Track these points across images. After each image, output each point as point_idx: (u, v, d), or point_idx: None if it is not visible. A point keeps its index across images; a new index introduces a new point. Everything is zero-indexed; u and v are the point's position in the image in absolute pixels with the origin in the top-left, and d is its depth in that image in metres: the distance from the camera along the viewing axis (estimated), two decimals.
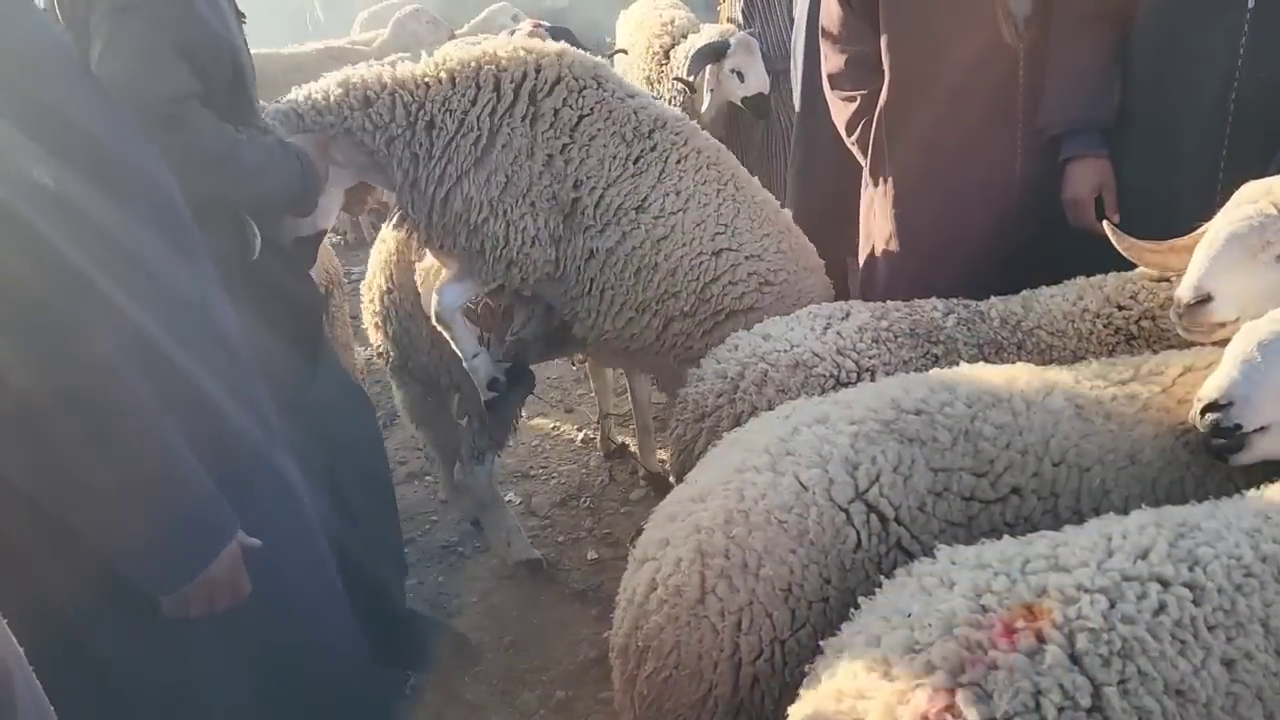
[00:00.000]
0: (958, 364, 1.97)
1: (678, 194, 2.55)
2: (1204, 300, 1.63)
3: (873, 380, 1.95)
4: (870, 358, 1.97)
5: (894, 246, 2.62)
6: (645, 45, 4.71)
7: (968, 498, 1.49)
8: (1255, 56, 2.07)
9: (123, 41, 1.95)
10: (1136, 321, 2.04)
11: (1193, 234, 1.84)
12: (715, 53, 4.20)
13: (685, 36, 4.49)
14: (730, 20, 4.66)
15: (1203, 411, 1.43)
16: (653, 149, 2.58)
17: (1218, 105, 2.18)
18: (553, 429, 4.06)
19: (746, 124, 4.44)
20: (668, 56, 4.61)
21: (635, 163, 2.55)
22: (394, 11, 6.66)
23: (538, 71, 2.50)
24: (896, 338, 2.01)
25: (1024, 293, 2.18)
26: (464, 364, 2.75)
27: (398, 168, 2.45)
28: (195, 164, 2.00)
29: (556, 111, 2.49)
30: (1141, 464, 1.55)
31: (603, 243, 2.54)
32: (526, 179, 2.48)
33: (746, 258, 2.57)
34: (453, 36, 5.87)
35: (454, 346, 2.72)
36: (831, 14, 2.64)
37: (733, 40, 4.15)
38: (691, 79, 4.32)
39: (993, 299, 2.17)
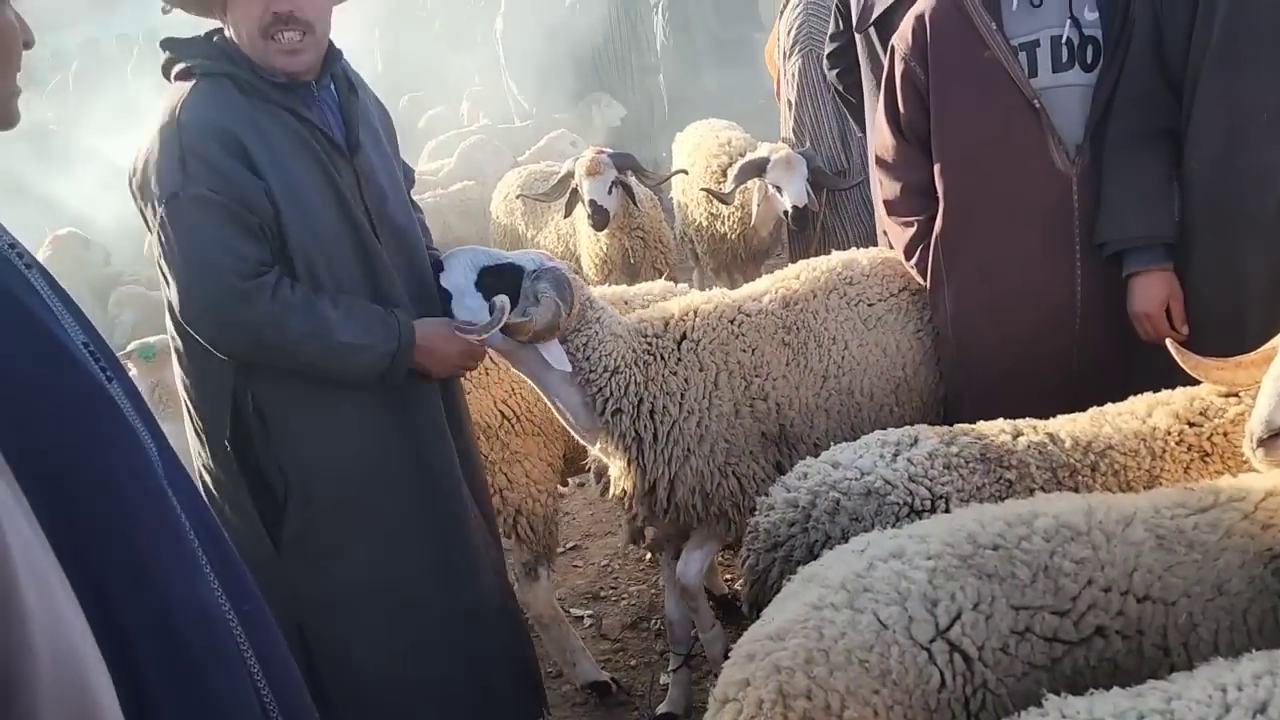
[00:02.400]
0: (1032, 489, 1.99)
1: (833, 341, 2.74)
2: (1277, 435, 1.62)
3: (946, 507, 1.95)
4: (943, 484, 1.98)
5: (958, 370, 2.64)
6: (704, 165, 4.90)
7: (1050, 638, 1.48)
8: None
9: (178, 229, 2.02)
10: (1209, 438, 2.03)
11: (1260, 350, 1.83)
12: (756, 168, 4.39)
13: (742, 155, 4.65)
14: (784, 139, 4.83)
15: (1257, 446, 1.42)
16: (798, 325, 2.74)
17: (1278, 216, 2.21)
18: (622, 548, 4.06)
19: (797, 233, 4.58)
20: (724, 175, 4.77)
21: (794, 350, 2.72)
22: (459, 141, 7.01)
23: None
24: (968, 463, 2.02)
25: (1091, 411, 2.17)
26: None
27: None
28: (274, 341, 2.08)
29: (734, 359, 2.67)
30: (1230, 595, 1.52)
31: (814, 432, 2.70)
32: (741, 434, 2.64)
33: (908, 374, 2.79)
34: (515, 164, 6.16)
35: (695, 618, 2.98)
36: (886, 143, 2.74)
37: (772, 157, 4.31)
38: (727, 193, 4.49)
39: (1060, 419, 2.16)
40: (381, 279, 2.23)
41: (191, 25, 2.28)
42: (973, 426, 2.14)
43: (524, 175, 5.33)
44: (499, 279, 2.37)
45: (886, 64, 2.72)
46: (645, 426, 2.56)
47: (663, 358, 2.63)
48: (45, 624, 0.72)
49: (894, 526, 1.93)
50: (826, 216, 4.63)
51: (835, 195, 4.66)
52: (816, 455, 2.68)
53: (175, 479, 1.33)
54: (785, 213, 4.35)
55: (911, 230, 2.70)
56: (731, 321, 2.72)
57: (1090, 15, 2.46)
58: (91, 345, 1.28)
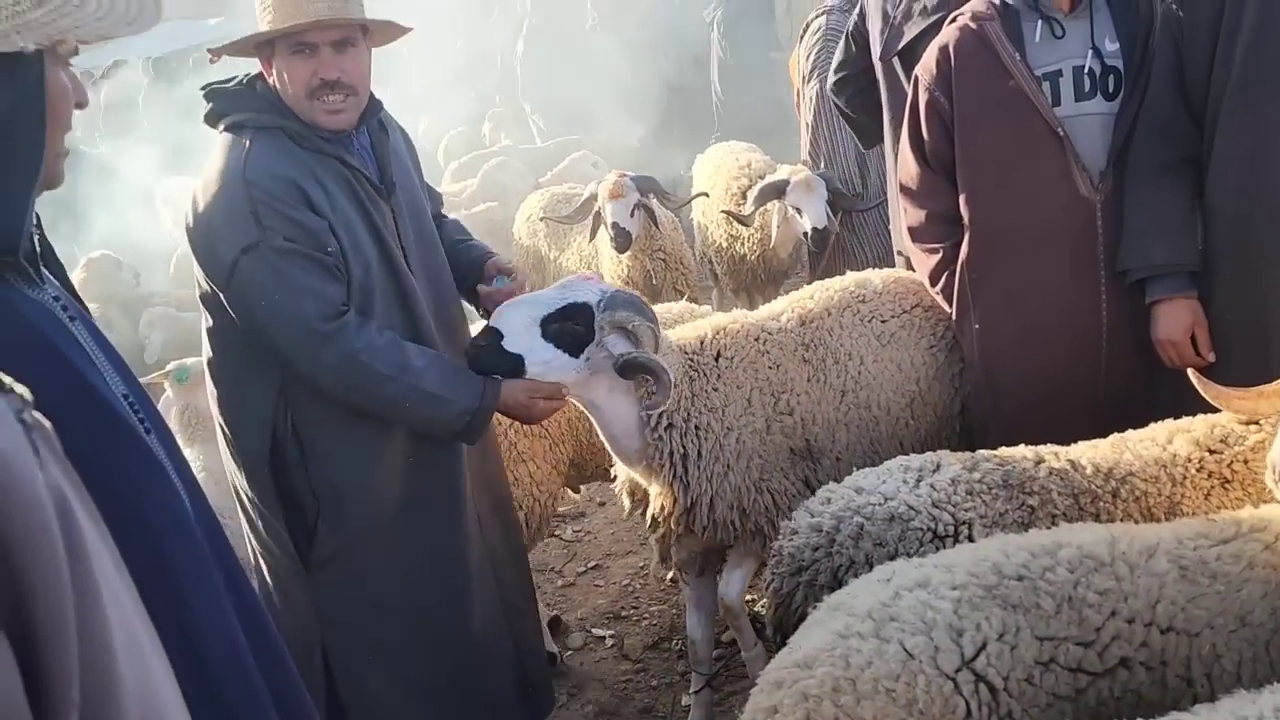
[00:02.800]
0: (1054, 515, 2.01)
1: (849, 357, 2.80)
2: None
3: (970, 533, 1.98)
4: (966, 510, 2.00)
5: (985, 397, 2.66)
6: (724, 187, 4.95)
7: (1074, 669, 1.50)
8: None
9: (259, 279, 2.10)
10: (1229, 465, 2.04)
11: None
12: (776, 191, 4.43)
13: (762, 178, 4.70)
14: (803, 162, 4.88)
15: None
16: (815, 342, 2.80)
17: None
18: (641, 568, 4.08)
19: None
20: (744, 197, 4.82)
21: (814, 366, 2.78)
22: (481, 162, 7.09)
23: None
24: (990, 489, 2.04)
25: (1113, 438, 2.19)
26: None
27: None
28: (360, 378, 2.15)
29: (763, 376, 2.72)
30: (1253, 626, 1.53)
31: (836, 446, 2.74)
32: (772, 450, 2.69)
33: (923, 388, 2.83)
34: (537, 185, 6.23)
35: (739, 637, 3.02)
36: (910, 171, 2.77)
37: (792, 179, 4.35)
38: (747, 215, 4.53)
39: (1081, 445, 2.18)
40: (416, 311, 2.31)
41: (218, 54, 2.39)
42: (995, 453, 2.16)
43: (546, 197, 5.39)
44: (565, 323, 2.37)
45: (910, 93, 2.75)
46: (692, 443, 2.61)
47: (705, 374, 2.69)
48: (136, 688, 0.72)
49: (918, 552, 1.96)
50: (844, 238, 4.67)
51: (853, 216, 4.69)
52: (839, 469, 2.78)
53: (201, 517, 1.37)
54: (805, 234, 4.39)
55: (936, 257, 2.73)
56: (756, 339, 2.79)
57: (1111, 46, 2.52)
58: (131, 397, 1.32)
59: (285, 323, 2.11)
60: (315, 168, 2.18)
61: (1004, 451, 2.16)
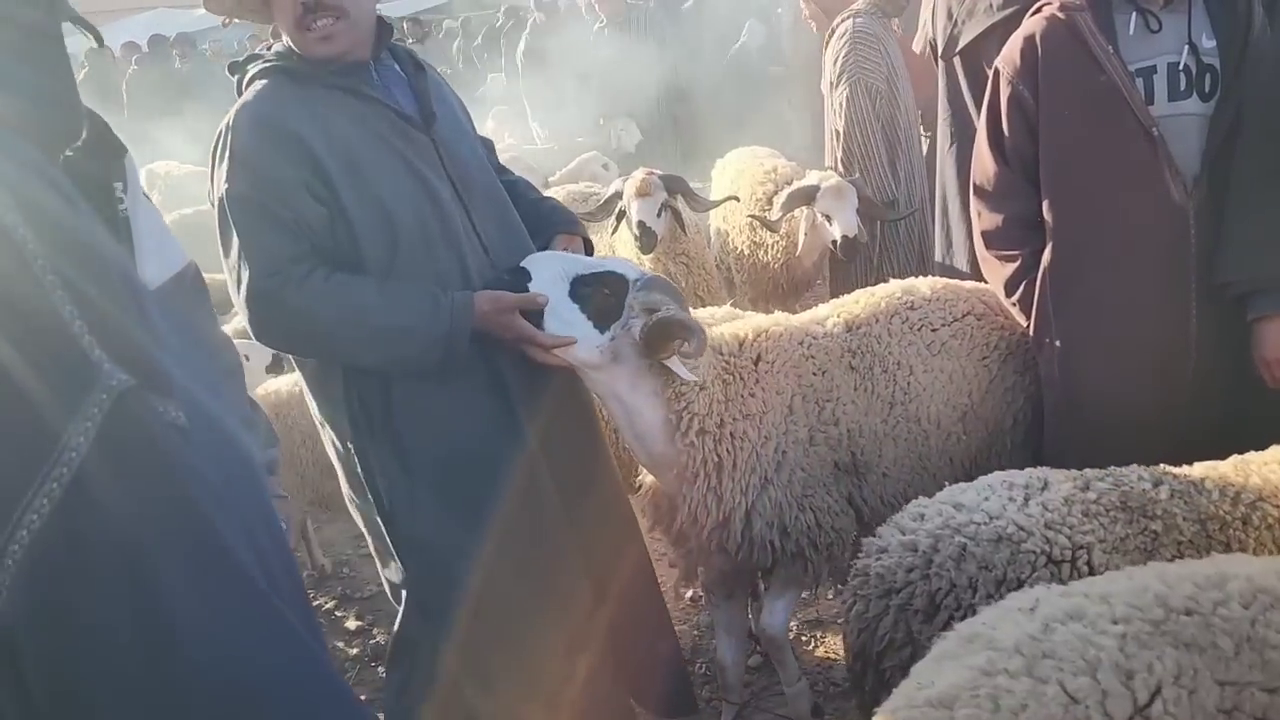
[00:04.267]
0: (1180, 542, 1.82)
1: (898, 366, 2.64)
2: None
3: (1089, 559, 1.78)
4: (1084, 533, 1.81)
5: (1065, 414, 2.49)
6: (749, 192, 4.76)
7: (1259, 719, 1.29)
8: None
9: (222, 232, 2.07)
10: None
11: None
12: (805, 196, 4.24)
13: (789, 183, 4.52)
14: (830, 168, 4.70)
15: None
16: (863, 349, 2.66)
17: None
18: (664, 586, 3.85)
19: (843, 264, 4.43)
20: (770, 202, 4.63)
21: (861, 374, 2.63)
22: None
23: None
24: (1108, 511, 1.85)
25: (1233, 459, 2.01)
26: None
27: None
28: (306, 332, 2.07)
29: (807, 382, 2.57)
30: None
31: (883, 461, 2.58)
32: (816, 463, 2.52)
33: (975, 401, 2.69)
34: (547, 185, 6.01)
35: (781, 671, 2.87)
36: (987, 171, 2.59)
37: (822, 185, 4.17)
38: (774, 220, 4.35)
39: (1199, 466, 2.00)
40: (465, 246, 2.18)
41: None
42: (1105, 471, 1.97)
43: (563, 194, 5.17)
44: (597, 289, 2.21)
45: (989, 87, 2.58)
46: (727, 451, 2.42)
47: (741, 378, 2.51)
48: None
49: (1030, 577, 1.77)
50: (869, 248, 4.49)
51: (883, 228, 4.52)
52: (885, 486, 2.59)
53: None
54: (834, 243, 4.21)
55: (1014, 265, 2.56)
56: (801, 343, 2.62)
57: (1209, 43, 2.35)
58: None
59: (234, 280, 2.07)
60: (318, 107, 2.08)
61: (1116, 470, 1.97)
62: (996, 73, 2.55)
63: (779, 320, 2.72)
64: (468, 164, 2.27)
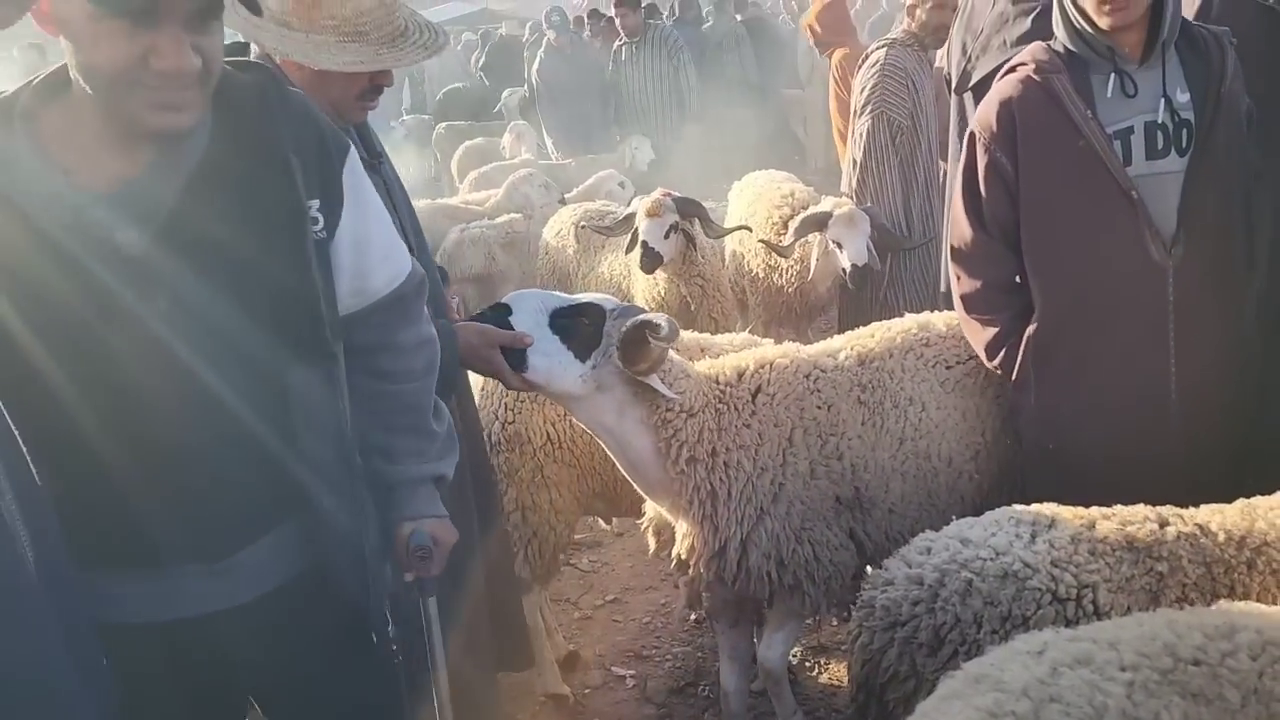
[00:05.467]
0: (1185, 584, 1.83)
1: (910, 402, 2.63)
2: None
3: (1094, 598, 1.79)
4: (1090, 572, 1.81)
5: (1047, 476, 2.42)
6: (765, 216, 4.79)
7: None
8: None
9: None
10: None
11: None
12: (817, 223, 4.27)
13: (805, 208, 4.54)
14: (843, 195, 4.72)
15: None
16: (874, 384, 2.65)
17: None
18: (663, 605, 3.87)
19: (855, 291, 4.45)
20: (785, 227, 4.65)
21: (870, 410, 2.62)
22: (502, 173, 6.92)
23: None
24: (1114, 551, 1.84)
25: (1239, 503, 2.00)
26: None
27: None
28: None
29: (810, 415, 2.57)
30: None
31: (889, 497, 2.57)
32: (817, 496, 2.51)
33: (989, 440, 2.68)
34: (563, 201, 6.06)
35: (777, 704, 2.89)
36: (964, 236, 2.53)
37: (835, 212, 4.19)
38: (786, 246, 4.37)
39: (1205, 509, 1.99)
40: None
41: None
42: (1112, 511, 1.97)
43: (579, 212, 5.22)
44: (575, 321, 2.25)
45: (965, 151, 2.50)
46: (720, 480, 2.42)
47: (736, 408, 2.51)
48: None
49: (1035, 615, 1.78)
50: (884, 279, 4.50)
51: (894, 259, 4.53)
52: (890, 522, 2.58)
53: None
54: (844, 270, 4.23)
55: (995, 330, 2.50)
56: (807, 376, 2.61)
57: (1183, 97, 2.31)
58: None
59: None
60: None
61: (1122, 511, 1.97)
62: (973, 137, 2.47)
63: (787, 352, 2.71)
64: (403, 202, 2.38)
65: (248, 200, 1.44)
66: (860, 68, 4.61)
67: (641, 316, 2.29)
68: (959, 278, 2.59)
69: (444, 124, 9.90)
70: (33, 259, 1.35)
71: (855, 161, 4.64)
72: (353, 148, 1.60)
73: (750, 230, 4.59)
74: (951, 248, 2.60)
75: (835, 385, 2.62)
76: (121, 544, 1.50)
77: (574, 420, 2.99)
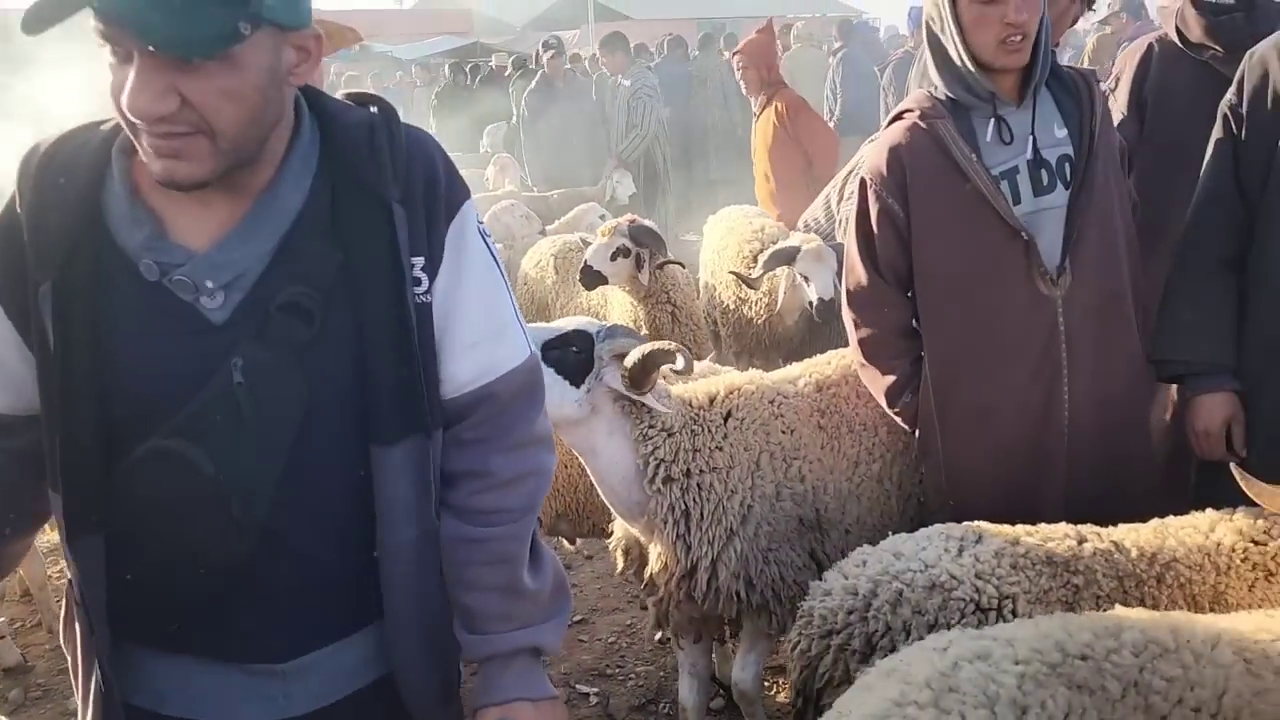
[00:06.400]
0: (1099, 596, 1.96)
1: (864, 427, 2.77)
2: None
3: (1014, 608, 1.92)
4: (1011, 584, 1.94)
5: (951, 514, 2.44)
6: (736, 249, 4.95)
7: None
8: None
9: None
10: (1273, 557, 2.01)
11: None
12: (785, 257, 4.41)
13: (775, 243, 4.70)
14: (805, 225, 4.89)
15: None
16: (831, 409, 2.77)
17: None
18: (628, 625, 3.97)
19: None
20: (755, 260, 4.81)
21: (828, 434, 2.74)
22: (485, 205, 7.07)
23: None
24: (1034, 565, 1.98)
25: (1154, 523, 2.16)
26: None
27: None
28: None
29: (775, 440, 2.67)
30: None
31: (845, 519, 2.68)
32: (781, 518, 2.61)
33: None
34: (543, 232, 6.21)
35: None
36: (860, 281, 2.55)
37: (803, 247, 4.34)
38: (754, 278, 4.52)
39: (1122, 528, 2.14)
40: None
41: None
42: (1036, 528, 2.11)
43: (558, 244, 5.37)
44: (565, 351, 2.37)
45: (857, 197, 2.51)
46: (694, 500, 2.54)
47: (710, 431, 2.63)
48: None
49: (958, 623, 1.90)
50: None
51: None
52: (847, 543, 2.70)
53: None
54: (811, 304, 4.37)
55: (894, 377, 2.54)
56: (771, 403, 2.73)
57: (1060, 133, 2.41)
58: None
59: None
60: None
61: (1045, 528, 2.11)
62: (864, 184, 2.49)
63: (753, 378, 2.82)
64: None
65: (345, 260, 1.27)
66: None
67: (658, 346, 2.39)
68: (856, 324, 2.60)
69: None
70: (117, 318, 1.24)
71: (846, 220, 4.76)
72: (470, 204, 1.38)
73: (683, 265, 4.71)
74: (847, 294, 2.61)
75: (797, 411, 2.74)
76: (179, 630, 1.33)
77: None
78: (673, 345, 2.41)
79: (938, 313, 2.47)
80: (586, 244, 5.20)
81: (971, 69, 2.32)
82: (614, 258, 4.34)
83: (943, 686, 1.47)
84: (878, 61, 10.12)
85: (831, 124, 9.42)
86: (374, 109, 1.35)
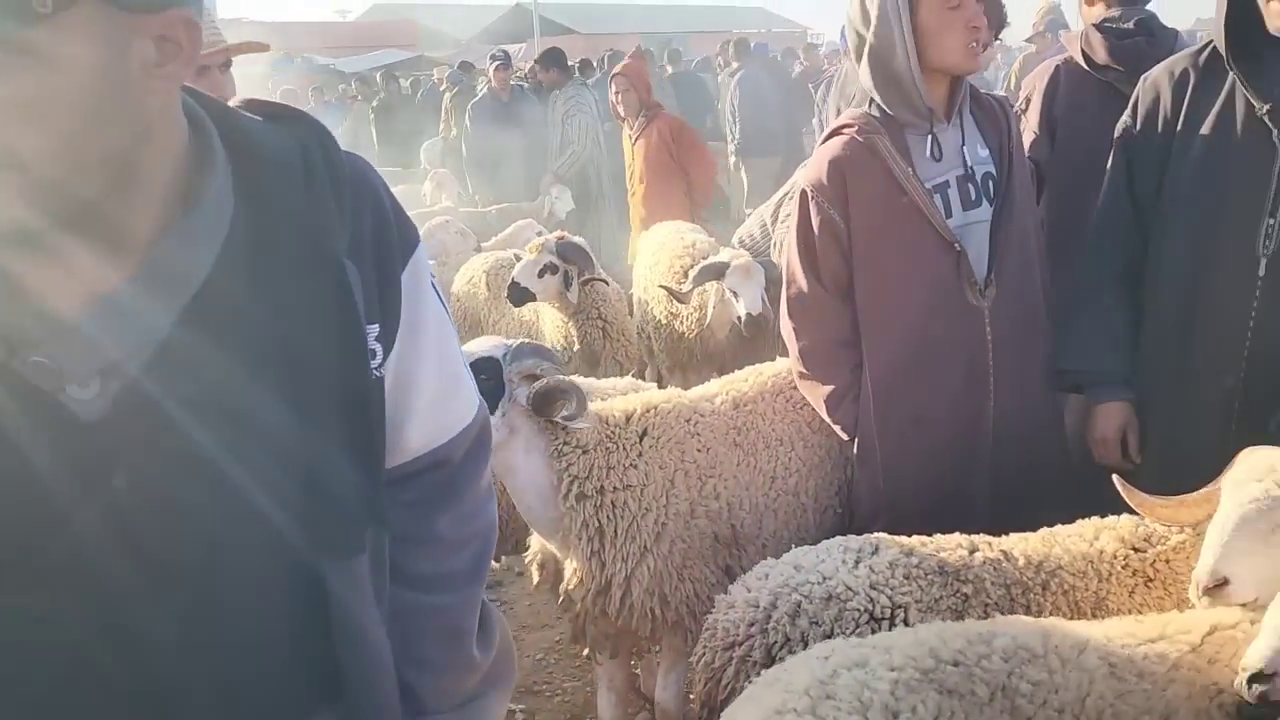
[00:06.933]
0: (987, 604, 2.03)
1: (780, 443, 2.82)
2: (1221, 584, 1.69)
3: (905, 617, 1.98)
4: (903, 594, 2.01)
5: (884, 521, 2.54)
6: (668, 264, 5.01)
7: None
8: (1266, 322, 2.25)
9: None
10: (1152, 564, 2.10)
11: (1203, 491, 1.92)
12: (715, 272, 4.48)
13: (705, 258, 4.76)
14: (740, 242, 4.98)
15: (1249, 681, 1.45)
16: (747, 426, 2.80)
17: (1232, 358, 2.31)
18: (557, 642, 3.99)
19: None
20: (686, 275, 4.88)
21: (745, 451, 2.77)
22: (421, 221, 7.05)
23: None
24: (927, 575, 2.05)
25: (1043, 532, 2.24)
26: None
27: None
28: None
29: (690, 458, 2.70)
30: None
31: (762, 534, 2.71)
32: (696, 535, 2.64)
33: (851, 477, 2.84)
34: (479, 248, 6.22)
35: None
36: (800, 291, 2.61)
37: (733, 263, 4.42)
38: (684, 292, 4.59)
39: (1013, 537, 2.22)
40: None
41: None
42: (931, 539, 2.18)
43: (490, 261, 5.39)
44: (476, 380, 2.37)
45: (798, 208, 2.58)
46: (608, 518, 2.57)
47: (625, 448, 2.65)
48: None
49: (854, 633, 1.97)
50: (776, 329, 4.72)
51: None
52: (764, 557, 2.75)
53: None
54: (739, 318, 4.44)
55: (833, 386, 2.61)
56: (687, 421, 2.77)
57: (983, 152, 2.53)
58: None
59: None
60: None
61: (940, 539, 2.19)
62: (805, 195, 2.55)
63: (670, 397, 2.85)
64: None
65: (277, 335, 0.96)
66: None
67: (553, 383, 2.43)
68: (796, 333, 2.66)
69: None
70: None
71: (780, 244, 4.84)
72: (423, 247, 1.13)
73: (607, 282, 4.76)
74: (788, 302, 2.66)
75: (713, 429, 2.78)
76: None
77: None
78: (570, 385, 2.44)
79: (877, 322, 2.54)
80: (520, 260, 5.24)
81: (919, 81, 2.41)
82: (541, 274, 4.38)
83: (820, 694, 1.53)
84: (780, 83, 10.25)
85: (732, 145, 9.60)
86: (300, 128, 1.03)
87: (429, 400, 1.13)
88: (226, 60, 2.29)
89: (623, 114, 6.50)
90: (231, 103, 1.08)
